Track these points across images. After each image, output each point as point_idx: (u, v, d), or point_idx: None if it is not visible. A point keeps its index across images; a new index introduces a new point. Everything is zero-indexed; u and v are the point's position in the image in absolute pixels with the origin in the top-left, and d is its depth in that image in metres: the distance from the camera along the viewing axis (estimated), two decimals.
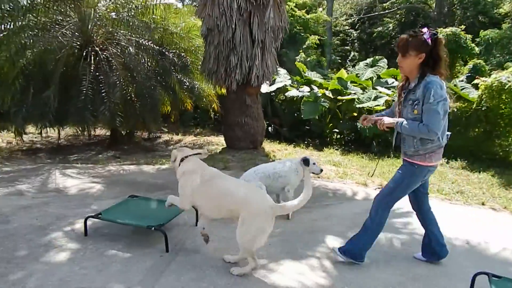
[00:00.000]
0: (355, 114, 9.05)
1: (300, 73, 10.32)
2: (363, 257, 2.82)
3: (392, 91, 8.81)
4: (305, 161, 3.66)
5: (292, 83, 10.09)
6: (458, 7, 19.64)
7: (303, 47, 11.51)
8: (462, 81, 9.44)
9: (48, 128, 5.98)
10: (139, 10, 6.41)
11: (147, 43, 6.10)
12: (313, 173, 3.76)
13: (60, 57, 5.26)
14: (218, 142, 8.38)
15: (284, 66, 10.81)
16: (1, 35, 5.50)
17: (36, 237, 3.14)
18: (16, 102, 5.62)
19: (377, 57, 10.25)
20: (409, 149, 2.61)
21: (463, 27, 12.96)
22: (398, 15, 20.73)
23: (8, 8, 5.51)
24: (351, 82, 9.43)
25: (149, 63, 6.19)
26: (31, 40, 5.49)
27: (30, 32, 5.58)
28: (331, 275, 2.74)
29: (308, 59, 11.11)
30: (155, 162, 5.94)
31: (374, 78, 9.71)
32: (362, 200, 4.63)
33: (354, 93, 8.77)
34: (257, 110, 6.88)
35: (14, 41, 5.49)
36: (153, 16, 6.53)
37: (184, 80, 7.13)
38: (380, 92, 8.58)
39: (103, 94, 5.60)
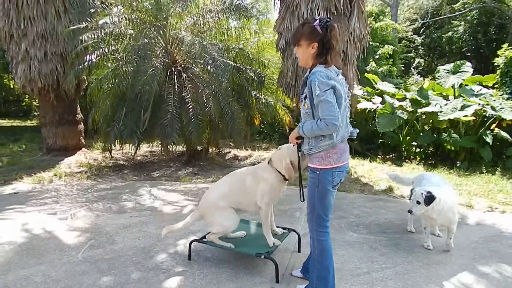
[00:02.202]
0: (439, 125, 8.32)
1: (371, 84, 9.82)
2: None
3: (481, 100, 7.98)
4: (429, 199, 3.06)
5: (363, 94, 9.62)
6: None
7: (375, 57, 10.98)
8: None
9: (133, 146, 6.21)
10: (218, 30, 6.51)
11: (225, 61, 6.14)
12: None
13: (150, 78, 5.44)
14: None
15: (358, 77, 10.38)
16: (96, 59, 5.86)
17: (143, 259, 3.14)
18: (108, 122, 5.94)
19: (458, 62, 9.38)
20: (304, 148, 2.41)
21: None
22: (469, 17, 19.18)
23: (99, 36, 5.86)
24: (432, 90, 8.71)
25: (227, 81, 6.21)
26: (121, 64, 5.79)
27: (119, 57, 5.91)
28: None
29: (380, 69, 10.55)
30: None
31: (456, 86, 8.89)
32: (474, 225, 4.09)
33: (436, 104, 8.07)
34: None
35: (106, 65, 5.88)
36: (230, 35, 6.61)
37: (259, 95, 7.08)
38: (468, 101, 7.78)
39: (189, 112, 5.69)
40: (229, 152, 8.90)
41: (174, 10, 6.55)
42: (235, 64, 6.50)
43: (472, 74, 9.31)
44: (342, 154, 2.36)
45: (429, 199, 2.99)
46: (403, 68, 18.45)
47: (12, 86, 15.67)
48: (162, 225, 3.89)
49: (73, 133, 7.58)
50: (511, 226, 4.01)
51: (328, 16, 5.78)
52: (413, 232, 3.73)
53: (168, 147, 6.31)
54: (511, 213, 4.46)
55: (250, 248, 2.95)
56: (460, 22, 19.31)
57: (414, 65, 20.16)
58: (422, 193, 3.02)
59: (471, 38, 18.55)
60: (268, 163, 2.87)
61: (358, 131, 2.52)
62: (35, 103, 15.28)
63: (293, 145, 2.59)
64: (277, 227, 3.25)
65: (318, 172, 2.33)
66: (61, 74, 6.78)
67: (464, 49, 18.53)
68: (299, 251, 3.28)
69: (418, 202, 3.02)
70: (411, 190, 3.21)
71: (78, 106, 7.97)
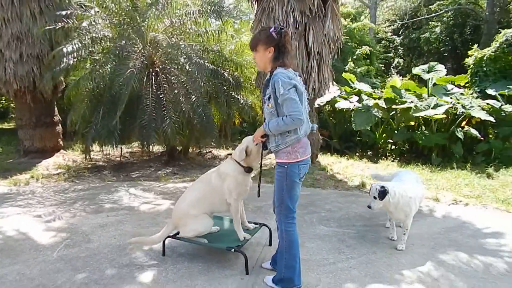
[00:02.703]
0: (412, 123, 8.62)
1: (348, 84, 10.08)
2: (295, 284, 2.60)
3: (452, 98, 8.32)
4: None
5: (340, 93, 9.86)
6: None
7: (354, 57, 11.24)
8: None
9: (111, 146, 6.23)
10: (196, 33, 6.59)
11: (202, 63, 6.24)
12: None
13: (126, 79, 5.49)
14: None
15: (334, 77, 10.61)
16: (73, 61, 5.86)
17: (118, 257, 3.21)
18: (86, 123, 5.94)
19: (432, 63, 9.74)
20: (271, 146, 2.57)
21: None
22: (445, 18, 19.79)
23: (77, 38, 5.87)
24: (406, 90, 9.02)
25: (204, 81, 6.32)
26: (99, 65, 5.81)
27: (97, 58, 5.92)
28: None
29: (358, 69, 10.82)
30: None
31: (430, 85, 9.23)
32: (440, 217, 4.31)
33: (411, 102, 8.37)
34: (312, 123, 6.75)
35: (83, 67, 5.90)
36: (208, 37, 6.70)
37: (237, 96, 7.20)
38: (440, 100, 8.11)
39: (164, 113, 5.76)
40: (210, 152, 8.99)
41: (152, 12, 6.60)
42: (212, 66, 6.59)
43: (448, 74, 9.69)
44: (306, 148, 2.56)
45: (382, 193, 3.15)
46: (383, 68, 18.90)
47: None
48: (138, 224, 4.00)
49: (50, 135, 7.53)
50: (472, 217, 4.25)
51: (303, 18, 5.97)
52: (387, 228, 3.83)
53: (148, 147, 6.36)
54: (473, 206, 4.72)
55: (221, 242, 3.07)
56: (437, 23, 19.90)
57: (393, 64, 20.68)
58: (376, 188, 3.19)
59: (448, 38, 19.13)
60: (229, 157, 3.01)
61: (317, 126, 2.71)
62: (12, 105, 14.97)
63: (256, 144, 2.75)
64: (249, 222, 3.38)
65: (286, 166, 2.50)
66: (37, 75, 6.73)
67: (441, 49, 19.10)
68: (270, 244, 3.42)
69: (375, 197, 3.19)
70: (370, 186, 3.36)
71: (56, 108, 7.91)
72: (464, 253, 3.30)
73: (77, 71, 6.34)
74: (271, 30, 2.48)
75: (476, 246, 3.46)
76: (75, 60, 5.89)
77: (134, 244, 3.21)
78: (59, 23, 5.94)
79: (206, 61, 6.35)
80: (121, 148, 6.98)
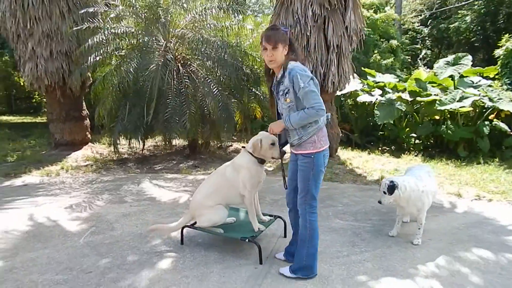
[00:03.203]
0: (437, 117, 8.39)
1: (371, 77, 9.90)
2: (314, 272, 2.75)
3: (479, 91, 8.01)
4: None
5: (363, 87, 9.70)
6: None
7: (379, 50, 10.99)
8: None
9: (136, 140, 6.47)
10: (216, 28, 6.69)
11: (223, 57, 6.33)
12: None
13: (151, 74, 5.68)
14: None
15: (354, 70, 10.45)
16: (99, 57, 6.11)
17: (139, 244, 3.38)
18: (112, 118, 6.21)
19: (460, 54, 9.38)
20: (294, 139, 2.62)
21: None
22: (476, 6, 18.90)
23: (104, 35, 6.11)
24: (430, 82, 8.77)
25: (224, 77, 6.42)
26: (123, 61, 6.03)
27: (122, 54, 6.14)
28: None
29: (384, 62, 10.58)
30: None
31: (456, 77, 8.92)
32: (461, 212, 4.23)
33: (436, 95, 8.13)
34: (331, 117, 6.72)
35: (109, 63, 6.14)
36: (228, 33, 6.79)
37: (256, 91, 7.26)
38: (465, 92, 7.83)
39: (184, 106, 5.91)
40: (231, 145, 9.12)
41: (174, 8, 6.75)
42: (232, 60, 6.67)
43: (480, 65, 9.27)
44: (327, 136, 2.70)
45: (391, 188, 3.12)
46: (409, 60, 18.34)
47: (22, 84, 16.11)
48: (159, 214, 4.17)
49: (79, 128, 7.88)
50: (495, 214, 4.14)
51: (322, 10, 5.93)
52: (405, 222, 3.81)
53: (170, 141, 6.55)
54: (497, 202, 4.59)
55: (237, 233, 3.16)
56: (467, 12, 19.06)
57: (421, 56, 20.03)
58: (386, 183, 3.16)
59: (479, 27, 18.27)
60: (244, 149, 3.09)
61: (330, 114, 2.76)
62: (44, 100, 15.70)
63: (273, 134, 2.83)
64: (264, 214, 3.45)
65: (312, 157, 2.60)
66: (67, 72, 7.06)
67: (472, 39, 18.31)
68: (285, 236, 3.49)
69: (385, 192, 3.17)
70: (381, 181, 3.33)
71: (84, 103, 8.26)
72: (483, 249, 3.24)
73: (103, 67, 6.59)
74: (284, 29, 2.62)
75: (496, 242, 3.38)
76: (101, 56, 6.12)
77: (154, 231, 3.36)
78: (86, 23, 6.18)
79: (226, 55, 6.43)
80: (144, 142, 7.20)
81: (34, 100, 17.00)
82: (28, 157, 7.30)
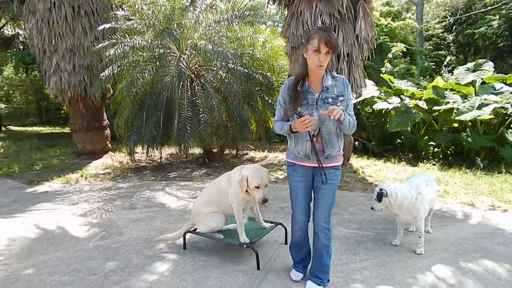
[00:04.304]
0: (456, 125, 8.15)
1: (388, 84, 9.77)
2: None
3: (502, 98, 7.73)
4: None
5: (380, 94, 9.59)
6: None
7: (389, 56, 10.88)
8: None
9: (151, 149, 6.70)
10: (230, 39, 6.88)
11: (236, 67, 6.49)
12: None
13: (166, 85, 5.93)
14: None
15: (371, 78, 10.37)
16: (117, 70, 6.42)
17: (144, 248, 3.50)
18: (129, 127, 6.48)
19: (480, 60, 9.10)
20: (334, 150, 2.52)
21: None
22: (504, 11, 18.27)
23: (121, 50, 6.42)
24: (451, 90, 8.55)
25: (237, 86, 6.58)
26: (140, 73, 6.31)
27: (138, 66, 6.43)
28: None
29: (396, 68, 10.44)
30: None
31: (477, 84, 8.66)
32: (470, 222, 4.10)
33: (454, 102, 7.92)
34: (342, 125, 6.69)
35: (126, 74, 6.46)
36: (241, 43, 6.96)
37: (269, 100, 7.36)
38: (486, 99, 7.58)
39: (200, 116, 6.09)
40: (246, 153, 9.23)
41: (189, 21, 7.00)
42: (245, 70, 6.81)
43: (510, 72, 8.91)
44: None
45: (379, 195, 3.10)
46: (433, 67, 17.90)
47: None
48: (166, 220, 4.30)
49: (100, 138, 8.24)
50: (507, 224, 4.00)
51: (331, 20, 5.97)
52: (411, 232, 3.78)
53: (184, 149, 6.73)
54: None
55: (236, 239, 3.22)
56: (494, 17, 18.47)
57: (445, 63, 19.52)
58: (375, 191, 3.15)
59: (507, 33, 17.66)
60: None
61: None
62: None
63: (333, 117, 2.30)
64: (266, 221, 3.50)
65: (340, 169, 2.64)
66: (88, 84, 7.44)
67: (500, 45, 17.71)
68: (285, 243, 3.51)
69: (375, 199, 3.15)
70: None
71: (105, 113, 8.63)
72: (489, 260, 3.14)
73: (122, 79, 6.90)
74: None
75: (505, 254, 3.27)
76: (118, 69, 6.42)
77: (159, 241, 3.56)
78: (105, 40, 6.53)
79: (239, 65, 6.58)
80: (161, 150, 7.44)
81: (62, 112, 17.87)
82: (52, 165, 7.70)
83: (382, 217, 4.22)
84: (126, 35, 6.57)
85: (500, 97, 7.82)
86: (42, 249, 3.53)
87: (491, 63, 8.79)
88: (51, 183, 6.24)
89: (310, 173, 2.60)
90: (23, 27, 12.44)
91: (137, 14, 6.97)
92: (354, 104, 9.17)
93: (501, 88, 8.22)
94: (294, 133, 2.50)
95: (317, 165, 2.50)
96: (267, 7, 7.69)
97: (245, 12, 6.91)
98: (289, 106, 2.51)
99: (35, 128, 16.55)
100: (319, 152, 2.49)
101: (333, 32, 2.49)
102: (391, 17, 12.23)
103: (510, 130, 7.59)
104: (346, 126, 2.45)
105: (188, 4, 7.00)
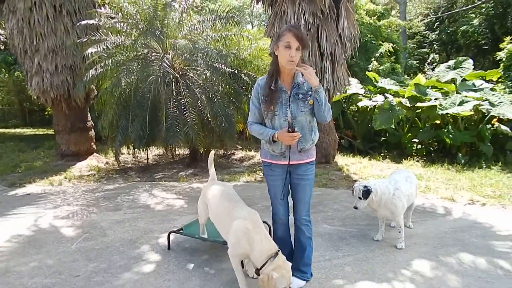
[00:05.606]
0: (438, 121, 8.33)
1: (372, 83, 9.91)
2: None
3: (481, 95, 7.93)
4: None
5: (365, 93, 9.72)
6: None
7: (376, 55, 11.03)
8: None
9: (137, 149, 6.65)
10: (214, 38, 6.88)
11: (221, 67, 6.49)
12: None
13: (151, 85, 5.89)
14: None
15: (356, 76, 10.50)
16: (100, 70, 6.34)
17: (128, 249, 3.49)
18: (114, 128, 6.41)
19: (460, 58, 9.33)
20: (307, 144, 2.54)
21: None
22: (484, 9, 18.71)
23: (104, 49, 6.34)
24: (432, 87, 8.73)
25: (223, 85, 6.58)
26: (123, 74, 6.24)
27: (123, 67, 6.36)
28: None
29: (382, 67, 10.60)
30: (231, 179, 6.23)
31: (458, 81, 8.87)
32: (450, 217, 4.21)
33: (435, 99, 8.09)
34: (327, 124, 6.77)
35: (110, 75, 6.39)
36: (226, 42, 6.96)
37: None
38: (466, 96, 7.77)
39: (185, 115, 6.07)
40: (233, 153, 9.23)
41: (173, 21, 6.96)
42: (230, 69, 6.81)
43: (489, 68, 9.16)
44: None
45: (366, 193, 3.15)
46: (417, 65, 18.20)
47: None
48: (151, 221, 4.28)
49: (84, 139, 8.11)
50: (486, 218, 4.11)
51: (314, 19, 6.03)
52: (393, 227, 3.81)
53: (171, 150, 6.70)
54: (491, 206, 4.54)
55: (220, 238, 3.23)
56: (475, 15, 18.89)
57: (428, 60, 19.87)
58: (360, 189, 3.18)
59: (487, 30, 18.07)
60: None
61: None
62: None
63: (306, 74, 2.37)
64: None
65: (314, 164, 2.66)
66: (71, 85, 7.31)
67: (480, 42, 18.11)
68: None
69: (360, 198, 3.20)
70: (353, 187, 3.30)
71: (89, 114, 8.52)
72: (467, 253, 3.23)
73: (106, 79, 6.81)
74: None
75: (482, 247, 3.37)
76: (102, 69, 6.34)
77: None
78: (87, 36, 6.44)
79: (224, 64, 6.58)
80: (147, 151, 7.38)
81: (46, 113, 17.51)
82: (35, 167, 7.56)
83: (365, 213, 4.28)
84: (110, 33, 6.49)
85: (480, 94, 8.03)
86: (23, 252, 3.48)
87: (470, 61, 9.02)
88: (34, 185, 6.14)
89: (287, 170, 2.61)
90: (4, 26, 12.16)
91: (120, 13, 6.91)
92: (339, 101, 9.37)
93: (481, 85, 8.44)
94: (275, 142, 2.50)
95: (293, 162, 2.55)
96: (253, 6, 7.72)
97: (229, 14, 6.92)
98: (264, 106, 2.53)
99: (18, 130, 16.20)
100: (293, 146, 2.51)
101: (302, 30, 2.53)
102: (376, 16, 12.38)
103: (489, 126, 7.79)
104: (322, 102, 2.38)
105: (169, 0, 6.95)
